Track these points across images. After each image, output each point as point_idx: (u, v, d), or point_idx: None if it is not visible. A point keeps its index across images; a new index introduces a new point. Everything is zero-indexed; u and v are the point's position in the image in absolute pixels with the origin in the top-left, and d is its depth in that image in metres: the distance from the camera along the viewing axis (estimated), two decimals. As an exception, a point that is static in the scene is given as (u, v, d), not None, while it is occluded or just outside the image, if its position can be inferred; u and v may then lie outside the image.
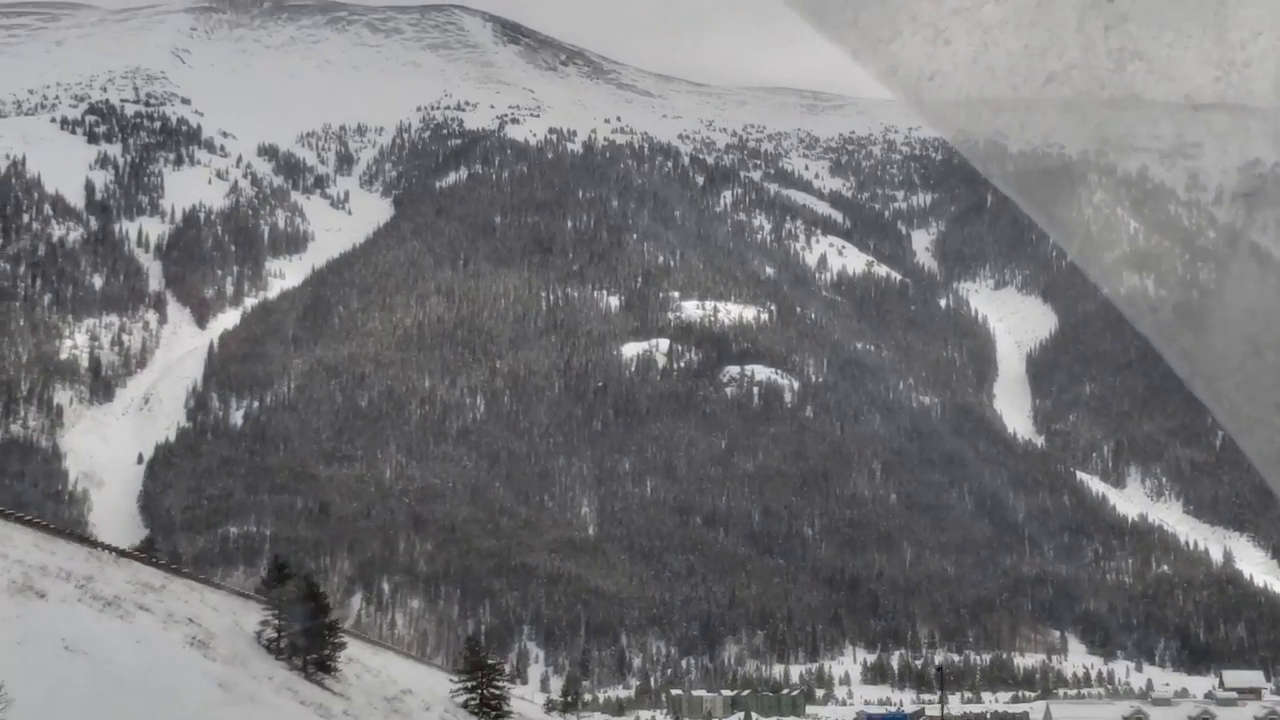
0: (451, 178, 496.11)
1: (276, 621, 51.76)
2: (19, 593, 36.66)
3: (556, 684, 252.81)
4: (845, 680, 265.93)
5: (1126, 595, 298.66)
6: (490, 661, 75.47)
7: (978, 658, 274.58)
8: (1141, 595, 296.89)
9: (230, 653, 42.05)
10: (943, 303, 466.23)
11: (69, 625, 34.66)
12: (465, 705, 70.00)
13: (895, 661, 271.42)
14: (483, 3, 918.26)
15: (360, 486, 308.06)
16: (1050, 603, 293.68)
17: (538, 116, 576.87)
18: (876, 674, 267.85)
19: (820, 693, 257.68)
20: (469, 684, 71.12)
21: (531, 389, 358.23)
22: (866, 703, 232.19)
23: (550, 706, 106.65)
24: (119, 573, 51.69)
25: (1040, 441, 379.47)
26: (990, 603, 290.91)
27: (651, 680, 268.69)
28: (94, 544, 61.01)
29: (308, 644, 52.27)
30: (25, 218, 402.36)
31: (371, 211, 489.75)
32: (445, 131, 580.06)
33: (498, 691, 72.43)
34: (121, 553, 63.33)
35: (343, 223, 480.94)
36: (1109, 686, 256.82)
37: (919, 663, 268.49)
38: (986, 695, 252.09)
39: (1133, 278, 11.17)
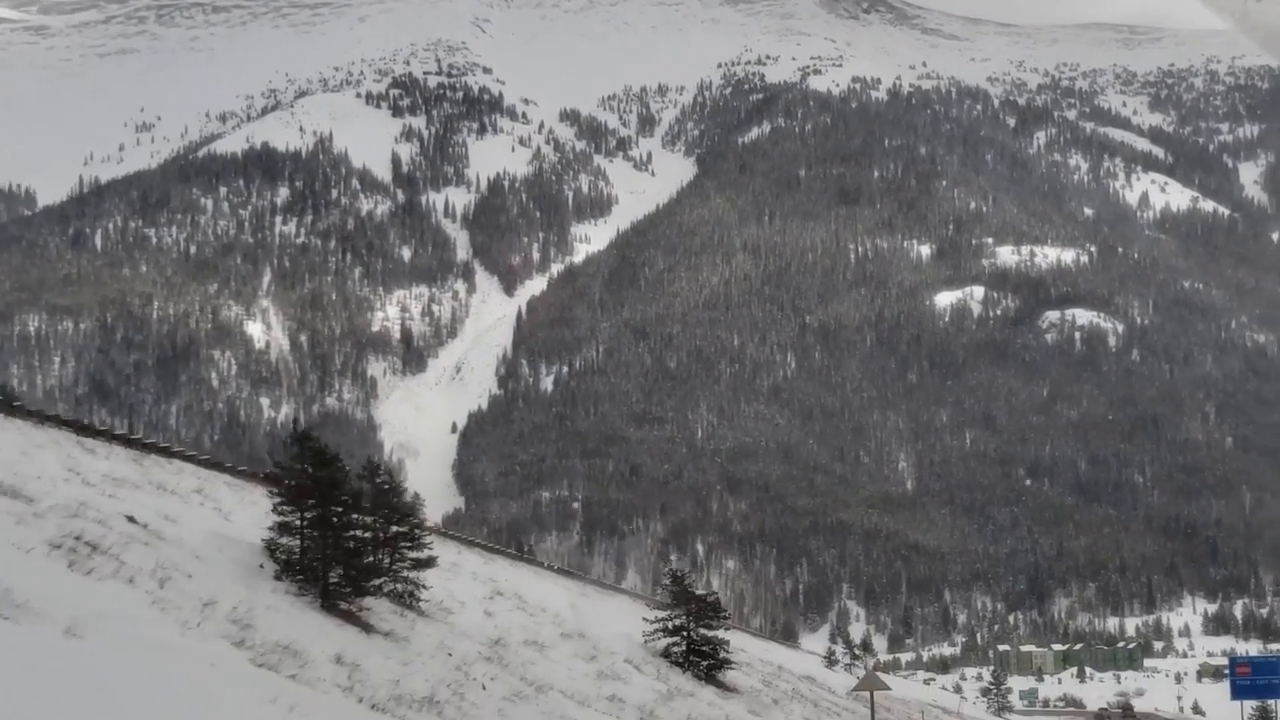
0: (754, 133, 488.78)
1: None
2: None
3: (880, 644, 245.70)
4: (1185, 632, 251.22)
5: None
6: (699, 593, 50.80)
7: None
8: None
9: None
10: (1275, 236, 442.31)
11: None
12: (666, 654, 48.12)
13: (1238, 611, 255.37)
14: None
15: (671, 448, 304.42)
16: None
17: (840, 66, 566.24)
18: (1218, 624, 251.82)
19: (1158, 645, 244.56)
20: (671, 623, 48.87)
21: (843, 343, 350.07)
22: (1209, 654, 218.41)
23: (830, 657, 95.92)
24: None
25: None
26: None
27: (978, 636, 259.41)
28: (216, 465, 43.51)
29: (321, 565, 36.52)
30: (334, 193, 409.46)
31: (675, 171, 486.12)
32: (746, 87, 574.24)
33: (711, 634, 49.33)
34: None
35: (646, 184, 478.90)
36: None
37: (1264, 612, 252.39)
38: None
39: None
